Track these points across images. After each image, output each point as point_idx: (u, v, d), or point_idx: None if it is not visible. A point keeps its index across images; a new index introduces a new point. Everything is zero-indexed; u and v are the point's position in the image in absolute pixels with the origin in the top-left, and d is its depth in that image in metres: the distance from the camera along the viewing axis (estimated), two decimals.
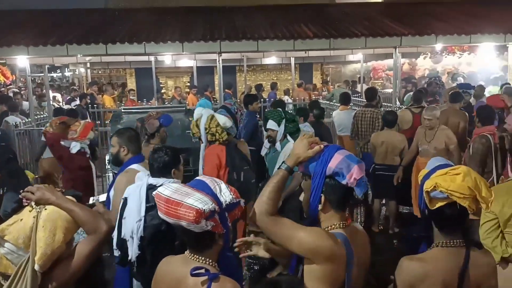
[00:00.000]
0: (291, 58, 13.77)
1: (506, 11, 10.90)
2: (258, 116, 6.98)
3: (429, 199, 1.79)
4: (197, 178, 1.91)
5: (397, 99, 9.62)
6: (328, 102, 10.56)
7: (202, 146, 4.26)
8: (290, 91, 13.44)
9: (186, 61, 13.67)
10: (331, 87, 15.89)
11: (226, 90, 12.80)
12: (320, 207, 1.79)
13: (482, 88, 8.26)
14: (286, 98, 12.00)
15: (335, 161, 1.75)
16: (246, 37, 8.34)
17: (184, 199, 1.69)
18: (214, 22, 9.50)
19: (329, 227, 1.80)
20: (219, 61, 8.75)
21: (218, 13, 10.43)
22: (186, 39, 8.25)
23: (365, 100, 9.31)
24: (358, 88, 13.38)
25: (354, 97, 11.12)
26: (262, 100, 9.89)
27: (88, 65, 14.28)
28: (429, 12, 10.01)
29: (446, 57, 13.71)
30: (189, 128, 6.36)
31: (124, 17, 10.25)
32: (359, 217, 6.54)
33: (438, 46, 10.21)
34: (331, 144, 1.90)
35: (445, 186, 1.73)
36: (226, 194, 1.79)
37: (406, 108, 7.09)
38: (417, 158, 5.43)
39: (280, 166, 1.81)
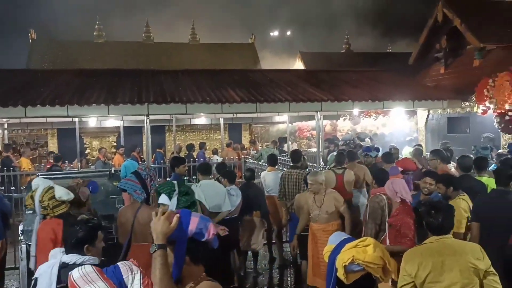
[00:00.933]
0: (220, 118, 14.06)
1: (412, 80, 12.18)
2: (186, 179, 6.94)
3: (346, 273, 1.85)
4: (118, 263, 1.87)
5: (321, 159, 10.10)
6: (257, 161, 10.79)
7: (37, 219, 4.10)
8: (219, 151, 13.58)
9: (113, 122, 13.42)
10: (260, 146, 16.30)
11: (158, 150, 12.69)
12: (185, 266, 1.99)
13: (396, 149, 8.89)
14: (215, 158, 12.08)
15: (194, 224, 2.02)
16: (174, 100, 8.45)
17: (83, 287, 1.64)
18: (142, 85, 9.55)
19: (199, 279, 2.01)
20: (146, 122, 8.72)
21: (146, 76, 10.52)
22: (112, 101, 8.17)
23: (289, 159, 9.67)
24: (285, 147, 13.86)
25: (282, 156, 11.50)
26: (192, 160, 9.90)
27: (6, 125, 13.49)
28: (346, 79, 10.88)
29: (363, 119, 14.76)
30: (113, 193, 6.16)
31: (47, 79, 9.97)
32: (288, 278, 6.56)
33: (355, 111, 11.02)
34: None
35: (361, 258, 1.81)
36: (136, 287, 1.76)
37: (330, 169, 7.43)
38: (311, 225, 5.36)
39: (153, 250, 1.92)
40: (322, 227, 5.19)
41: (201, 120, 15.05)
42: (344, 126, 17.02)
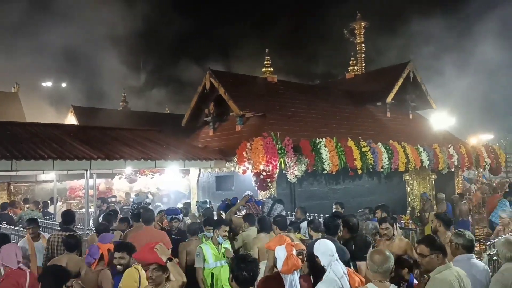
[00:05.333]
0: None
1: (184, 140, 12.89)
2: None
3: None
4: None
5: (91, 220, 9.47)
6: (13, 227, 9.36)
7: None
8: None
9: None
10: (19, 209, 14.24)
11: None
12: None
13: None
14: None
15: None
16: None
17: None
18: None
19: None
20: None
21: None
22: None
23: (57, 223, 8.75)
24: (51, 209, 12.51)
25: (46, 219, 10.35)
26: None
27: None
28: (119, 137, 10.72)
29: (140, 177, 14.69)
30: None
31: None
32: None
33: (128, 169, 10.90)
34: None
35: None
36: None
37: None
38: None
39: None
40: None
41: None
42: (120, 185, 16.56)
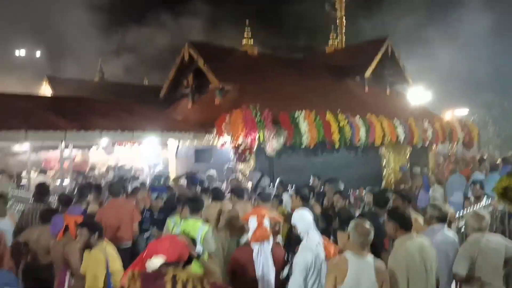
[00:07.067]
0: None
1: (162, 112, 12.73)
2: None
3: None
4: None
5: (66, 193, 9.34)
6: None
7: None
8: None
9: None
10: None
11: None
12: None
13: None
14: None
15: None
16: None
17: None
18: None
19: None
20: None
21: None
22: None
23: (29, 195, 8.62)
24: (25, 182, 12.30)
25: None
26: None
27: None
28: (95, 109, 10.48)
29: (117, 148, 14.47)
30: None
31: None
32: None
33: (104, 141, 10.73)
34: None
35: None
36: None
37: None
38: None
39: None
40: None
41: None
42: (98, 156, 16.31)
